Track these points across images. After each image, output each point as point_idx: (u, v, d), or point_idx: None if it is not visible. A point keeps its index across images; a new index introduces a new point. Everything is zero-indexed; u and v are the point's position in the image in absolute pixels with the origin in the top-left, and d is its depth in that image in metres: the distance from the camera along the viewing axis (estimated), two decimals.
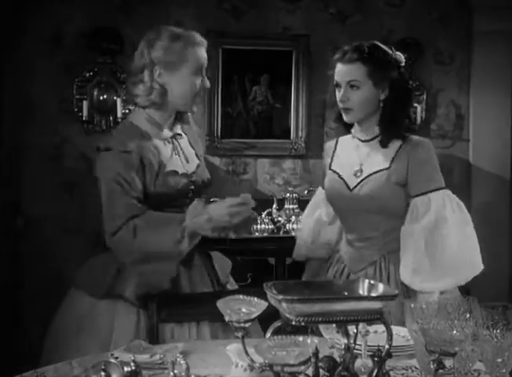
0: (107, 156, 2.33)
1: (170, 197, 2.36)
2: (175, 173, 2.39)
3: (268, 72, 4.73)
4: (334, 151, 2.62)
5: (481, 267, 2.37)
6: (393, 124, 2.44)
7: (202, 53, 2.42)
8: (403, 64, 2.48)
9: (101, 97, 4.60)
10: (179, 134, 2.49)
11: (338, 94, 2.45)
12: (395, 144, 2.44)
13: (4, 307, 4.14)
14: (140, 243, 2.25)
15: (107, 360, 1.58)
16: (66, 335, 2.32)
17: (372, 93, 2.42)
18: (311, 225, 2.72)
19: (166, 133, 2.43)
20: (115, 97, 4.54)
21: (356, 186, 2.46)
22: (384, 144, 2.45)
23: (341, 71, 2.44)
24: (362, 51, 2.43)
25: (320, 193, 2.71)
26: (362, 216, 2.45)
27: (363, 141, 2.51)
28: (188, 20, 4.60)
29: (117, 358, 1.71)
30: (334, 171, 2.55)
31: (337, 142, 2.64)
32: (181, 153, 2.46)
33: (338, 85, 2.45)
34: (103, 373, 1.51)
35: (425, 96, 4.87)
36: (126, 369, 1.55)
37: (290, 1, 4.77)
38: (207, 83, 2.46)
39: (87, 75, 4.59)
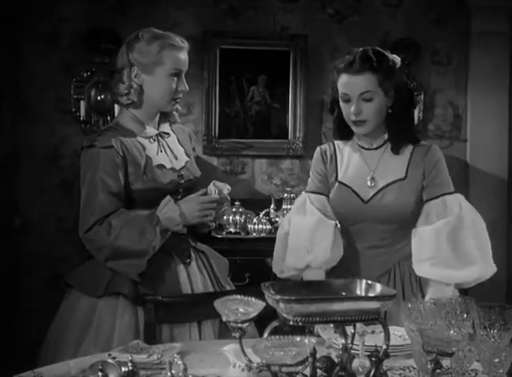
0: (89, 152, 2.37)
1: (160, 192, 2.38)
2: (162, 166, 2.42)
3: (266, 72, 4.73)
4: (335, 159, 2.51)
5: (495, 268, 2.43)
6: (402, 129, 2.40)
7: (180, 57, 2.42)
8: (398, 66, 2.42)
9: (99, 97, 4.59)
10: (166, 133, 2.51)
11: (348, 107, 2.35)
12: (406, 151, 2.41)
13: (2, 307, 4.14)
14: (114, 240, 2.28)
15: (104, 361, 1.58)
16: (68, 338, 2.32)
17: (384, 101, 2.36)
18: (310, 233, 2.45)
19: (151, 130, 2.47)
20: (111, 98, 4.53)
21: (371, 198, 2.39)
22: (396, 151, 2.41)
23: (351, 83, 2.32)
24: (370, 60, 2.32)
25: (311, 200, 2.51)
26: (376, 226, 2.39)
27: (367, 149, 2.45)
28: (185, 20, 4.61)
29: (114, 358, 1.71)
30: (344, 184, 2.44)
31: (335, 148, 2.53)
32: (168, 150, 2.50)
33: (347, 98, 2.34)
34: (100, 373, 1.51)
35: (422, 97, 4.87)
36: (123, 369, 1.55)
37: (287, 2, 4.77)
38: (185, 86, 2.45)
39: (85, 75, 4.58)
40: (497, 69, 4.84)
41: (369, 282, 1.59)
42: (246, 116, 4.76)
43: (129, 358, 1.59)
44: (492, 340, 1.46)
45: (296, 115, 4.75)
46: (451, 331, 1.42)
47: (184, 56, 2.43)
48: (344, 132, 2.47)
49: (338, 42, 4.76)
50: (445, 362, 1.55)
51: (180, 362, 1.54)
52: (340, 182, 2.46)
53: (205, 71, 4.62)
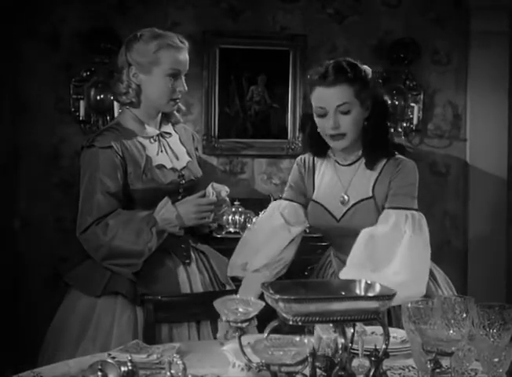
0: (88, 152, 2.37)
1: (160, 193, 2.37)
2: (163, 166, 2.42)
3: (266, 72, 4.74)
4: (313, 174, 2.46)
5: (422, 292, 2.12)
6: (378, 141, 2.31)
7: (178, 57, 2.39)
8: (370, 77, 2.31)
9: (98, 97, 4.59)
10: (167, 133, 2.51)
11: (324, 121, 2.26)
12: (378, 166, 2.33)
13: (2, 307, 4.14)
14: (111, 241, 2.29)
15: (104, 360, 1.58)
16: (67, 338, 2.33)
17: (360, 113, 2.27)
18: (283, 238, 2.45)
19: (151, 130, 2.46)
20: (111, 97, 4.53)
21: (343, 216, 2.34)
22: (370, 166, 2.32)
23: (326, 96, 2.23)
24: (345, 71, 2.22)
25: (283, 207, 2.52)
26: (352, 240, 2.27)
27: (342, 165, 2.39)
28: (185, 20, 4.61)
29: (114, 358, 1.71)
30: (318, 202, 2.40)
31: (314, 162, 2.47)
32: (169, 150, 2.49)
33: (322, 112, 2.24)
34: (100, 373, 1.51)
35: (422, 96, 4.88)
36: (122, 369, 1.55)
37: (287, 1, 4.77)
38: (184, 87, 2.43)
39: (84, 74, 4.58)
40: (497, 69, 4.85)
41: (368, 282, 1.59)
42: (245, 116, 4.76)
43: (129, 358, 1.59)
44: (492, 340, 1.45)
45: (295, 114, 4.75)
46: (451, 331, 1.41)
47: (182, 56, 2.41)
48: (319, 149, 2.40)
49: (337, 42, 4.77)
50: (445, 362, 1.55)
51: (179, 362, 1.54)
52: (314, 200, 2.42)
53: (204, 70, 4.62)
